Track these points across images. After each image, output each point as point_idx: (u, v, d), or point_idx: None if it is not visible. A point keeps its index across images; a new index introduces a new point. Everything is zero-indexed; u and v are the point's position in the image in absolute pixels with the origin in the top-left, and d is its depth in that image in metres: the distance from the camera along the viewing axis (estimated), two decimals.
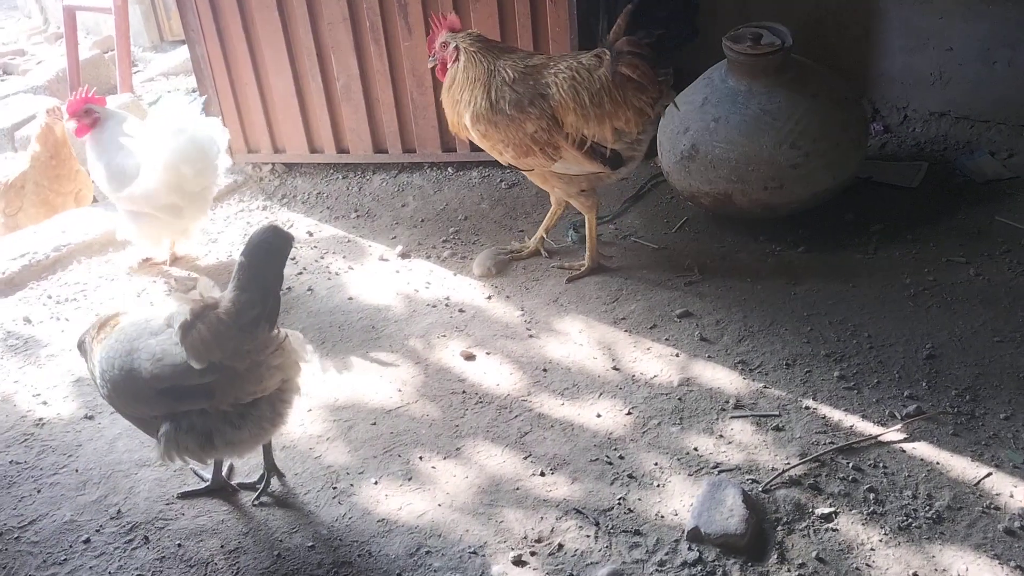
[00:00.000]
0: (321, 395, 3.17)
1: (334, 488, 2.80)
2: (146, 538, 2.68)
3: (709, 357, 3.17)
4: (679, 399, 3.00)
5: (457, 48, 3.41)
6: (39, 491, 2.89)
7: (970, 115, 4.27)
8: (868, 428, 2.81)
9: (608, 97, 3.28)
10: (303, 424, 3.06)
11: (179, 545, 2.65)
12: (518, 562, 2.49)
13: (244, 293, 2.32)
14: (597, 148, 3.35)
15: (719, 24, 3.85)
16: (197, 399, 2.43)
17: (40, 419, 3.19)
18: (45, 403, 3.25)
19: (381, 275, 3.82)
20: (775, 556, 2.43)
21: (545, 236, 3.81)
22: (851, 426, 2.83)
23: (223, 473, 2.82)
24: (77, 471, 2.95)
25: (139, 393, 2.47)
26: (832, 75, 3.78)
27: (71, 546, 2.68)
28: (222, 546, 2.64)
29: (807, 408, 2.91)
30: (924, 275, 3.45)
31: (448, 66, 3.44)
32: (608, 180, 3.54)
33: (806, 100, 3.57)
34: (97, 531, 2.72)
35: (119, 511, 2.78)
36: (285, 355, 2.48)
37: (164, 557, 2.62)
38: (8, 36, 7.78)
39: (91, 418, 3.16)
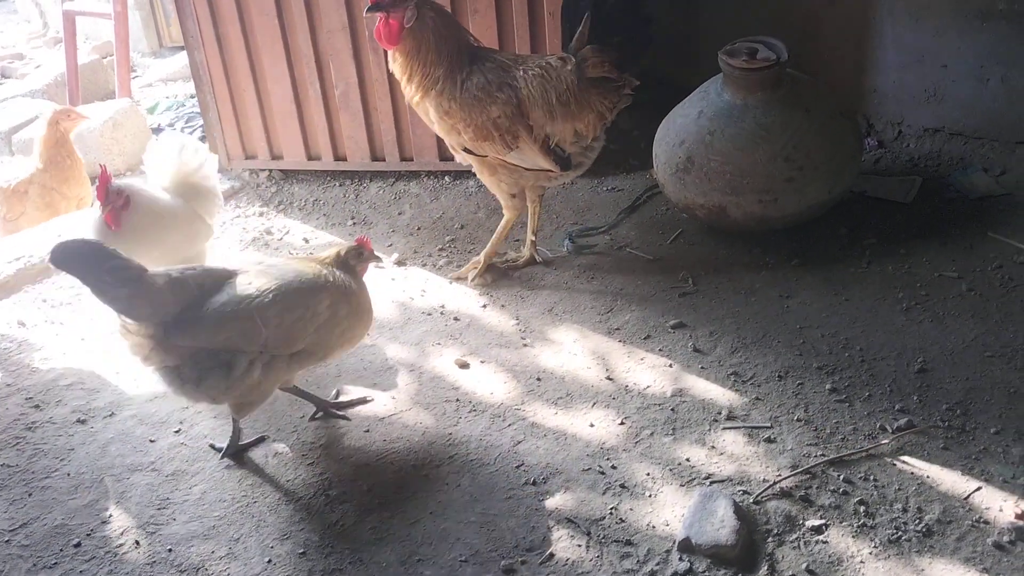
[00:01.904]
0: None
1: (326, 495, 2.80)
2: (137, 543, 2.68)
3: (702, 368, 3.19)
4: (672, 410, 3.01)
5: (417, 8, 3.25)
6: (30, 494, 2.88)
7: (964, 132, 4.31)
8: (859, 441, 2.82)
9: (574, 99, 3.37)
10: (296, 431, 3.06)
11: (170, 550, 2.65)
12: (509, 571, 2.49)
13: None
14: (553, 147, 3.41)
15: (715, 38, 3.88)
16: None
17: (32, 422, 3.18)
18: (37, 407, 3.25)
19: (377, 283, 3.83)
20: (765, 568, 2.44)
21: (535, 240, 3.82)
22: (842, 439, 2.84)
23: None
24: (69, 475, 2.95)
25: None
26: (827, 90, 3.81)
27: (62, 550, 2.67)
28: (213, 551, 2.64)
29: (799, 420, 2.92)
30: (916, 289, 3.47)
31: (403, 28, 3.26)
32: (553, 182, 3.63)
33: (801, 114, 3.60)
34: (88, 535, 2.72)
35: (110, 515, 2.78)
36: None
37: (155, 562, 2.62)
38: (7, 40, 7.80)
39: (83, 422, 3.16)
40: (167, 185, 3.45)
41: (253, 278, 2.73)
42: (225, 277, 2.73)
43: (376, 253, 2.99)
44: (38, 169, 4.24)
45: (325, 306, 2.75)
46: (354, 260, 2.92)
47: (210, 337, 2.62)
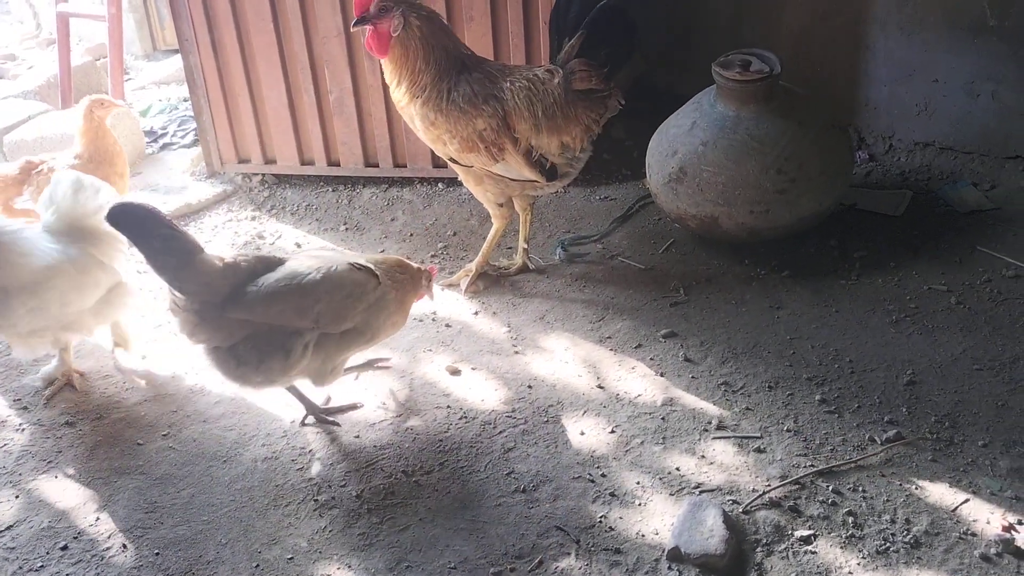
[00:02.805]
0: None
1: (315, 500, 2.79)
2: (124, 546, 2.66)
3: (693, 378, 3.19)
4: (662, 419, 3.02)
5: (404, 16, 3.25)
6: (17, 496, 2.86)
7: (954, 146, 4.34)
8: (848, 452, 2.83)
9: (560, 112, 3.38)
10: (286, 436, 3.05)
11: (157, 554, 2.63)
12: None
13: None
14: (539, 158, 3.42)
15: (709, 50, 3.90)
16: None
17: (20, 424, 3.17)
18: (26, 408, 3.23)
19: None
20: None
21: (527, 247, 3.83)
22: (831, 449, 2.85)
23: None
24: (56, 477, 2.93)
25: None
26: (819, 103, 3.84)
27: (48, 552, 2.66)
28: (200, 556, 2.62)
29: (788, 430, 2.93)
30: (906, 302, 3.50)
31: (392, 37, 3.27)
32: (540, 191, 3.63)
33: (793, 127, 3.62)
34: (75, 538, 2.70)
35: (97, 518, 2.77)
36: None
37: (142, 566, 2.60)
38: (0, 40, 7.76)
39: (72, 424, 3.14)
40: (60, 228, 3.15)
41: (305, 260, 2.85)
42: (277, 263, 2.83)
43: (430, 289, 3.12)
44: (80, 162, 4.20)
45: (372, 287, 2.84)
46: (410, 282, 3.00)
47: (264, 310, 2.71)
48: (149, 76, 6.66)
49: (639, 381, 3.20)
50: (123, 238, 3.25)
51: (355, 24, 3.32)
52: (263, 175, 4.70)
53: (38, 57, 7.31)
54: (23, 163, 4.06)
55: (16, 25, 8.08)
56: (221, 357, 2.78)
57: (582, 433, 2.98)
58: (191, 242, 2.68)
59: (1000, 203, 4.02)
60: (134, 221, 2.65)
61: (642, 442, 2.93)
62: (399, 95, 3.43)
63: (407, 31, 3.29)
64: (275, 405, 3.18)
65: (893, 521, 2.59)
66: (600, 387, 3.18)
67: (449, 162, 3.60)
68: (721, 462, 2.84)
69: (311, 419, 3.09)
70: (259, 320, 2.72)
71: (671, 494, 2.73)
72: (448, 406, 3.14)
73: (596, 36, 3.37)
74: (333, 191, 4.60)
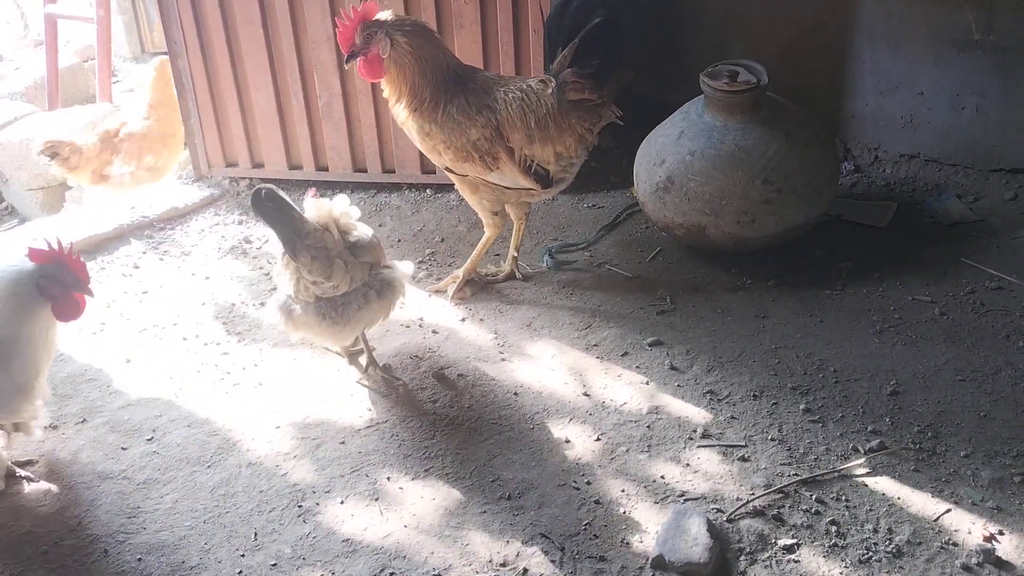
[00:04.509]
0: (290, 412, 3.16)
1: (299, 507, 2.78)
2: (106, 551, 2.65)
3: (678, 386, 3.21)
4: (648, 427, 3.03)
5: (388, 36, 3.27)
6: None
7: (939, 158, 4.38)
8: (832, 461, 2.85)
9: (554, 123, 3.39)
10: (271, 441, 3.04)
11: (139, 559, 2.62)
12: None
13: None
14: (533, 166, 3.44)
15: (698, 60, 3.92)
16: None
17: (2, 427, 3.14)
18: None
19: None
20: None
21: (516, 255, 3.84)
22: (815, 459, 2.86)
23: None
24: (37, 482, 2.91)
25: None
26: (806, 114, 3.86)
27: (29, 558, 2.64)
28: (183, 562, 2.61)
29: (773, 439, 2.94)
30: (890, 313, 3.52)
31: (382, 59, 3.29)
32: (536, 198, 3.64)
33: (780, 137, 3.65)
34: (55, 543, 2.68)
35: (79, 523, 2.75)
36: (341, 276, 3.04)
37: (123, 571, 2.59)
38: None
39: (55, 428, 3.12)
40: None
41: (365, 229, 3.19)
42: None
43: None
44: (152, 109, 4.31)
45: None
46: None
47: (374, 256, 3.15)
48: (137, 78, 6.64)
49: (625, 389, 3.20)
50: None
51: (347, 61, 3.35)
52: (251, 179, 4.69)
53: (26, 58, 7.27)
54: (101, 133, 4.29)
55: (3, 26, 8.04)
56: (327, 306, 3.04)
57: (568, 440, 2.99)
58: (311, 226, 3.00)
59: (984, 215, 4.06)
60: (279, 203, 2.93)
61: (627, 450, 2.94)
62: (399, 111, 3.45)
63: (396, 49, 3.31)
64: (261, 409, 3.17)
65: (876, 530, 2.61)
66: (586, 395, 3.19)
67: (445, 171, 3.61)
68: (706, 470, 2.84)
69: (369, 378, 3.28)
70: (369, 261, 3.12)
71: (656, 502, 2.74)
72: (434, 412, 3.14)
73: (589, 46, 3.38)
74: (321, 196, 4.58)
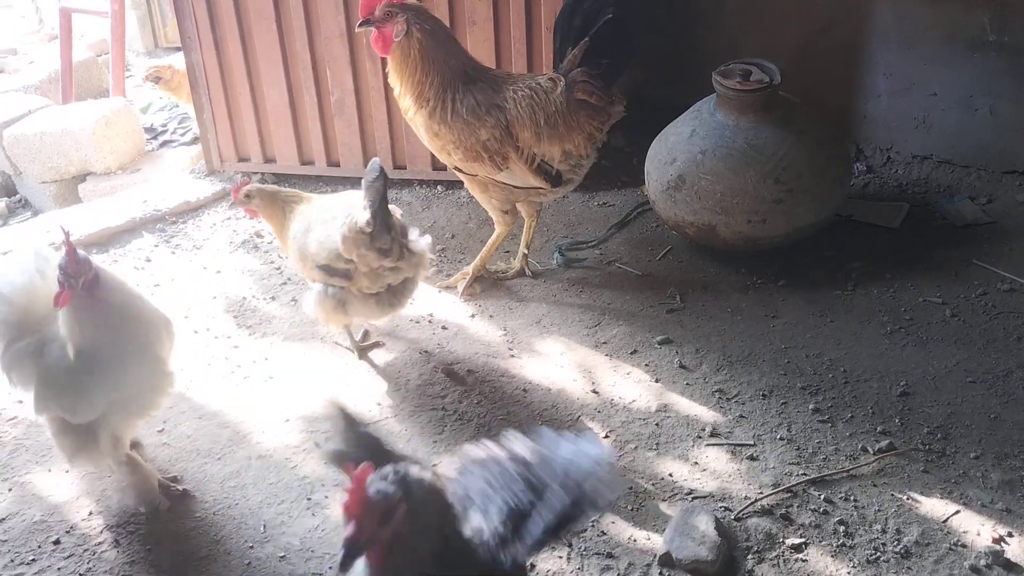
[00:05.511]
0: (299, 406, 3.17)
1: (308, 499, 2.79)
2: (116, 541, 2.66)
3: (687, 384, 3.20)
4: (656, 425, 3.03)
5: (407, 24, 3.28)
6: (10, 489, 2.86)
7: (952, 160, 4.36)
8: (840, 461, 2.84)
9: (562, 121, 3.39)
10: (280, 434, 3.05)
11: (149, 550, 2.63)
12: None
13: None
14: (543, 165, 3.43)
15: (710, 59, 3.92)
16: (340, 278, 3.10)
17: (14, 418, 3.16)
18: (20, 402, 3.22)
19: None
20: None
21: (527, 253, 3.84)
22: (824, 459, 2.86)
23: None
24: (50, 471, 2.93)
25: (306, 261, 3.17)
26: (818, 114, 3.85)
27: (40, 546, 2.66)
28: (193, 552, 2.63)
29: (782, 439, 2.94)
30: (901, 314, 3.51)
31: (394, 41, 3.31)
32: (546, 197, 3.65)
33: (792, 137, 3.64)
34: (67, 532, 2.70)
35: (90, 513, 2.77)
36: (406, 266, 3.12)
37: (134, 561, 2.60)
38: (1, 35, 7.77)
39: None
40: None
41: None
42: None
43: None
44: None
45: None
46: None
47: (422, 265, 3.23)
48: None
49: (634, 387, 3.21)
50: None
51: (359, 25, 3.34)
52: (262, 174, 4.71)
53: (40, 52, 7.32)
54: None
55: (18, 20, 8.09)
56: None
57: None
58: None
59: (997, 217, 4.05)
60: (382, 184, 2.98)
61: (636, 447, 2.94)
62: (405, 104, 3.46)
63: (408, 39, 3.31)
64: (265, 405, 3.19)
65: (884, 531, 2.60)
66: (595, 392, 3.19)
67: (454, 170, 3.62)
68: (714, 469, 2.84)
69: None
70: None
71: (663, 500, 2.74)
72: (443, 408, 3.15)
73: (599, 45, 3.38)
74: (332, 191, 4.60)
